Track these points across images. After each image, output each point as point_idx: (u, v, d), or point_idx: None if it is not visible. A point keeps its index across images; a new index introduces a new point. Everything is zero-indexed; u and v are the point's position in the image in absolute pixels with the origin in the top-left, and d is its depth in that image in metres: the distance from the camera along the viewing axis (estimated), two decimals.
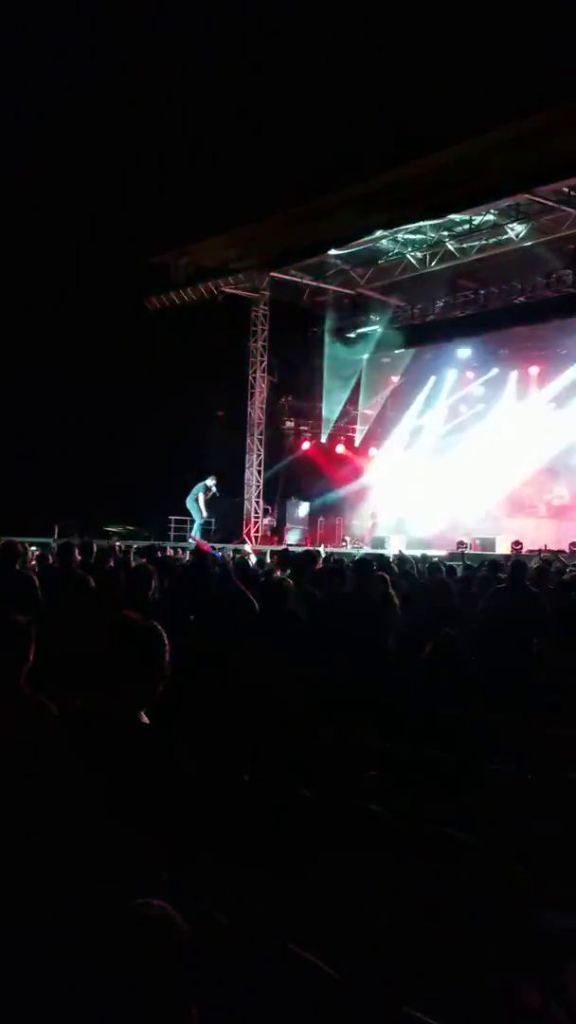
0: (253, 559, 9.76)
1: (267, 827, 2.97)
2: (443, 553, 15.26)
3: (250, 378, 19.64)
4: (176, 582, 6.13)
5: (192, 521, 16.84)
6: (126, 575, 5.97)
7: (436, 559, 11.01)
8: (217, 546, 15.08)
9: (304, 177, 18.73)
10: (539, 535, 16.87)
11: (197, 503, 16.43)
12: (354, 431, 22.44)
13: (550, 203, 14.83)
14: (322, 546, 15.85)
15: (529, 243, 16.47)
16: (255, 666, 4.27)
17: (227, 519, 18.93)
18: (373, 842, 2.89)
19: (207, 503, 16.53)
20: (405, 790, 3.65)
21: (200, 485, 16.52)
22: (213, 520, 17.56)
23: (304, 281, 19.62)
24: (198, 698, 3.70)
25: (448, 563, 10.72)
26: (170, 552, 11.59)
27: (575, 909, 3.19)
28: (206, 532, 16.84)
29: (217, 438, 19.70)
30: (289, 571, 6.53)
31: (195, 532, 16.53)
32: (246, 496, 19.46)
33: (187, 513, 17.54)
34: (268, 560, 11.45)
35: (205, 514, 16.64)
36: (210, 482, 16.57)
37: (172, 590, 5.81)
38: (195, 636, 4.91)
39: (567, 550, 15.17)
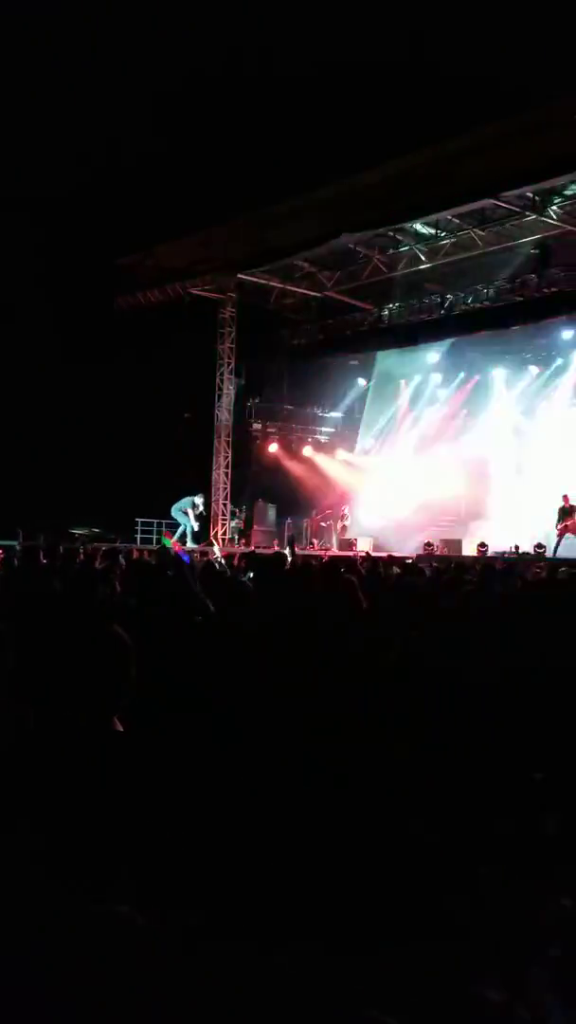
0: (222, 561, 9.73)
1: (242, 835, 2.96)
2: (411, 555, 15.35)
3: (217, 380, 19.61)
4: (130, 584, 6.05)
5: (178, 527, 17.01)
6: (88, 578, 5.92)
7: (410, 561, 11.08)
8: (188, 547, 15.10)
9: (271, 180, 18.77)
10: (504, 537, 17.02)
11: (187, 516, 16.73)
12: (322, 433, 22.51)
13: (515, 208, 14.99)
14: (287, 547, 15.86)
15: (494, 248, 16.65)
16: (208, 671, 4.26)
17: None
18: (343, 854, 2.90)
19: (196, 519, 16.91)
20: (376, 793, 3.67)
21: (188, 500, 16.81)
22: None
23: (272, 283, 19.63)
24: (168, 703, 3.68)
25: (417, 565, 10.78)
26: (136, 554, 11.51)
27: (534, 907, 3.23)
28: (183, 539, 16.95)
29: (184, 440, 19.64)
30: (253, 574, 6.52)
31: (178, 536, 16.67)
32: (213, 498, 19.41)
33: (153, 515, 17.62)
34: (235, 562, 11.44)
35: (196, 527, 16.98)
36: (198, 500, 16.87)
37: (127, 592, 5.74)
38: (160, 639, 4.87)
39: (531, 551, 15.35)
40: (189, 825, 2.90)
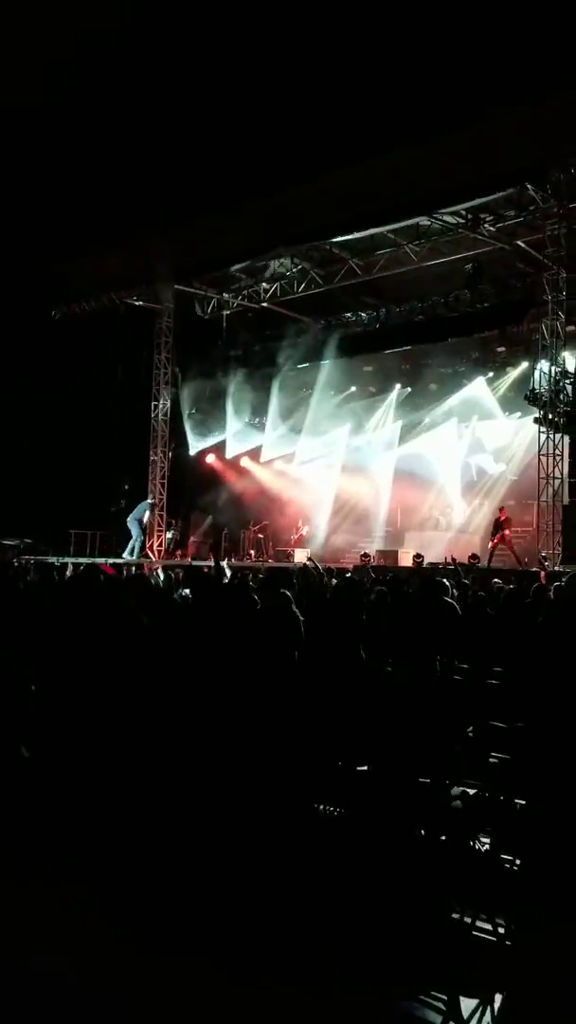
0: (161, 576, 9.60)
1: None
2: (347, 565, 15.40)
3: (154, 390, 19.42)
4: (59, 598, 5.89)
5: (131, 538, 17.47)
6: (14, 594, 5.75)
7: (349, 574, 11.08)
8: (135, 560, 14.97)
9: (207, 191, 18.68)
10: (439, 548, 17.22)
11: (139, 525, 17.28)
12: (260, 445, 22.48)
13: (448, 225, 15.25)
14: (225, 560, 15.77)
15: (429, 263, 16.92)
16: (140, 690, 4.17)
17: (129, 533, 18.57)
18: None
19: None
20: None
21: (142, 506, 17.61)
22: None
23: (209, 294, 19.58)
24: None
25: (356, 576, 10.80)
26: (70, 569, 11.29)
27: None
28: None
29: (119, 450, 19.40)
30: (191, 589, 6.42)
31: (128, 550, 17.15)
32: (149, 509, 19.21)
33: (87, 527, 17.39)
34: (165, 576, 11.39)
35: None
36: (149, 501, 17.69)
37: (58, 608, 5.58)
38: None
39: (466, 562, 15.53)
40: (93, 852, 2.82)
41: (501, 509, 16.02)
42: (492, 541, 15.75)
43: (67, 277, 18.90)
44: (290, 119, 19.06)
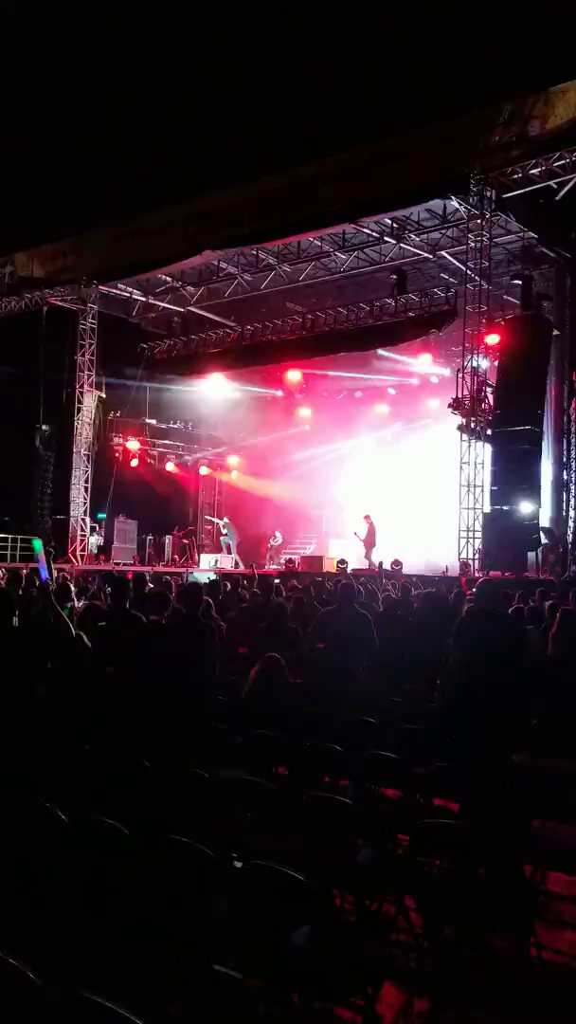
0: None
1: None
2: (274, 571, 15.40)
3: (77, 392, 19.05)
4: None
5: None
6: None
7: (277, 581, 11.07)
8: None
9: (135, 192, 18.52)
10: (361, 555, 17.35)
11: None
12: (186, 449, 22.32)
13: (373, 234, 15.42)
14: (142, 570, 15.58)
15: (355, 271, 17.07)
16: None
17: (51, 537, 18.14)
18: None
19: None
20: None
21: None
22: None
23: (134, 296, 19.35)
24: None
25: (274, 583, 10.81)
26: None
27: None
28: None
29: (41, 452, 18.99)
30: (111, 597, 6.31)
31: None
32: (72, 513, 18.81)
33: (7, 530, 16.99)
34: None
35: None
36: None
37: None
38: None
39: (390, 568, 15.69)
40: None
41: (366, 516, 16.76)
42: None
43: None
44: (217, 123, 19.06)
